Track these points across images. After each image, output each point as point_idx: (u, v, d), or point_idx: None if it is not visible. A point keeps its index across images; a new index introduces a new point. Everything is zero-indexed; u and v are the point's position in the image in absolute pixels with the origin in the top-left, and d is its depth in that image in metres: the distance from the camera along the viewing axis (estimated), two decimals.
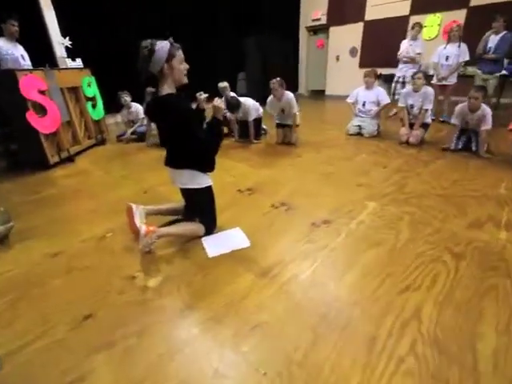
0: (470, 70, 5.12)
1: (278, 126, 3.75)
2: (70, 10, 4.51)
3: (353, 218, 1.90)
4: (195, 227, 1.70)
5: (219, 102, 1.54)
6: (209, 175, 1.67)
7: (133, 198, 2.33)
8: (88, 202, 2.32)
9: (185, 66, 1.46)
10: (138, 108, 4.18)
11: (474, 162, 2.82)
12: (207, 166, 1.62)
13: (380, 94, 3.71)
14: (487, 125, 2.84)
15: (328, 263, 1.49)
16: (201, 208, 1.71)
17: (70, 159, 3.38)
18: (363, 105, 3.83)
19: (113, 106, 4.81)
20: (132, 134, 4.19)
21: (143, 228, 1.53)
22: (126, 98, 4.04)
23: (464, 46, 4.13)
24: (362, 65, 7.47)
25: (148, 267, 1.52)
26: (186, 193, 1.69)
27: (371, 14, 6.91)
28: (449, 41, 4.26)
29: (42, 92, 2.96)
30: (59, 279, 1.46)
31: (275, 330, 1.12)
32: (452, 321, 1.13)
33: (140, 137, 4.17)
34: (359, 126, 3.90)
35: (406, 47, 4.68)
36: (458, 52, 4.15)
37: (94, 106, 3.98)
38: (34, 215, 2.16)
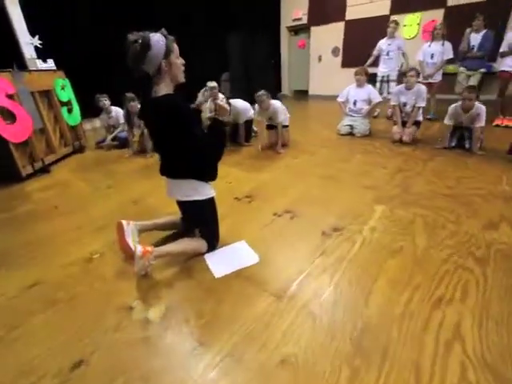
0: (451, 67, 5.23)
1: (268, 127, 3.61)
2: (39, 6, 4.14)
3: (364, 224, 1.79)
4: (197, 244, 1.52)
5: (223, 102, 1.38)
6: (211, 185, 1.50)
7: (121, 211, 2.12)
8: (69, 219, 2.07)
9: (181, 61, 1.29)
10: (118, 112, 3.90)
11: (470, 159, 2.81)
12: (209, 173, 1.44)
13: (372, 92, 3.68)
14: (481, 122, 2.85)
15: (349, 277, 1.35)
16: (202, 222, 1.53)
17: (46, 170, 3.07)
18: (354, 103, 3.77)
19: (90, 110, 4.50)
20: (113, 140, 3.91)
21: (139, 248, 1.33)
22: (105, 101, 3.76)
23: (448, 44, 4.18)
24: (344, 64, 7.50)
25: (147, 294, 1.32)
26: (186, 205, 1.50)
27: (352, 13, 6.94)
28: (433, 39, 4.31)
29: (9, 96, 2.65)
30: (40, 316, 1.23)
31: (305, 364, 0.97)
32: (496, 338, 1.03)
33: (122, 143, 3.90)
34: (350, 125, 3.84)
35: (384, 47, 4.71)
36: (442, 50, 4.20)
37: (69, 111, 3.67)
38: (5, 237, 1.89)
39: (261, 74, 7.59)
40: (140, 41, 1.15)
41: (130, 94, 3.24)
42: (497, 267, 1.37)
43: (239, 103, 3.57)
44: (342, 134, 3.90)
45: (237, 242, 1.66)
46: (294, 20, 8.06)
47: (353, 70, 7.14)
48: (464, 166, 2.64)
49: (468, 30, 4.04)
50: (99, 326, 1.16)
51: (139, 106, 3.17)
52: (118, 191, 2.51)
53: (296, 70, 8.77)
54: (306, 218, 1.91)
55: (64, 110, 3.56)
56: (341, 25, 7.20)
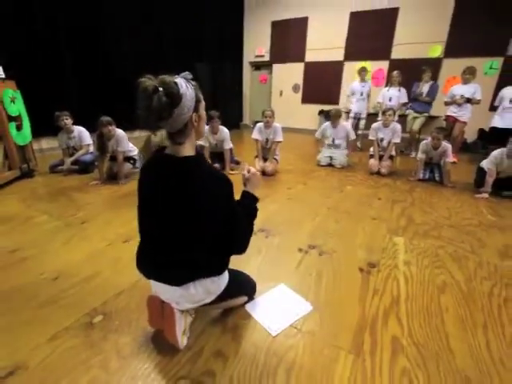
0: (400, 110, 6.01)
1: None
2: None
3: (395, 258, 1.74)
4: (238, 300, 1.26)
5: (255, 171, 1.15)
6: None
7: (110, 254, 1.70)
8: (39, 267, 1.57)
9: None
10: (81, 132, 3.38)
11: (446, 191, 3.11)
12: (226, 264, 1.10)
13: (348, 130, 3.86)
14: (449, 157, 3.21)
15: (418, 320, 1.24)
16: (232, 293, 1.20)
17: None
18: (333, 141, 3.93)
19: (41, 127, 3.86)
20: (73, 163, 3.33)
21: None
22: (67, 120, 3.22)
23: (403, 90, 4.82)
24: (304, 101, 8.05)
25: (195, 371, 0.99)
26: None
27: (311, 56, 7.62)
28: (391, 84, 4.92)
29: None
30: None
31: None
32: None
33: (84, 167, 3.35)
34: (330, 156, 3.99)
35: (357, 89, 5.20)
36: (399, 94, 4.81)
37: (18, 128, 3.04)
38: None
39: (226, 102, 7.73)
40: (165, 90, 0.80)
41: (106, 118, 2.83)
42: None
43: (225, 130, 3.44)
44: (322, 165, 4.00)
45: (276, 287, 1.44)
46: (257, 56, 8.49)
47: (312, 106, 7.86)
48: (445, 197, 2.89)
49: (422, 81, 4.72)
50: None
51: (119, 132, 2.83)
52: (97, 227, 2.05)
53: (257, 102, 9.09)
54: (334, 253, 1.78)
55: (12, 126, 2.93)
56: (301, 65, 7.81)
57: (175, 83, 0.83)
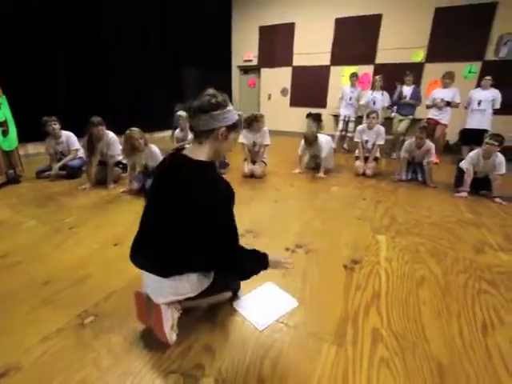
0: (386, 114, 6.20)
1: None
2: None
3: (377, 255, 1.82)
4: (223, 296, 1.30)
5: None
6: None
7: (102, 255, 1.73)
8: (29, 271, 1.58)
9: (231, 147, 1.13)
10: (69, 137, 3.37)
11: (427, 191, 3.24)
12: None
13: (322, 148, 3.62)
14: (431, 157, 3.35)
15: (397, 312, 1.32)
16: (218, 288, 1.25)
17: None
18: (314, 154, 3.95)
19: (27, 132, 3.81)
20: (61, 169, 3.31)
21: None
22: (55, 125, 3.21)
23: (386, 94, 4.99)
24: (292, 104, 8.19)
25: (185, 364, 1.03)
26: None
27: (298, 60, 7.77)
28: (374, 88, 5.08)
29: None
30: None
31: None
32: None
33: (72, 173, 3.33)
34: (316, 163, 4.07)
35: (347, 92, 5.36)
36: (382, 98, 4.97)
37: (4, 133, 3.01)
38: None
39: None
40: (220, 98, 1.00)
41: (97, 118, 2.84)
42: (507, 287, 1.52)
43: None
44: (309, 168, 4.07)
45: (264, 285, 1.49)
46: (245, 61, 8.59)
47: (300, 109, 7.99)
48: (426, 197, 3.02)
49: (399, 85, 4.89)
50: None
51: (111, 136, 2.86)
52: (87, 231, 2.06)
53: (247, 105, 9.18)
54: (320, 251, 1.85)
55: None
56: (289, 69, 7.95)
57: (228, 104, 1.03)
